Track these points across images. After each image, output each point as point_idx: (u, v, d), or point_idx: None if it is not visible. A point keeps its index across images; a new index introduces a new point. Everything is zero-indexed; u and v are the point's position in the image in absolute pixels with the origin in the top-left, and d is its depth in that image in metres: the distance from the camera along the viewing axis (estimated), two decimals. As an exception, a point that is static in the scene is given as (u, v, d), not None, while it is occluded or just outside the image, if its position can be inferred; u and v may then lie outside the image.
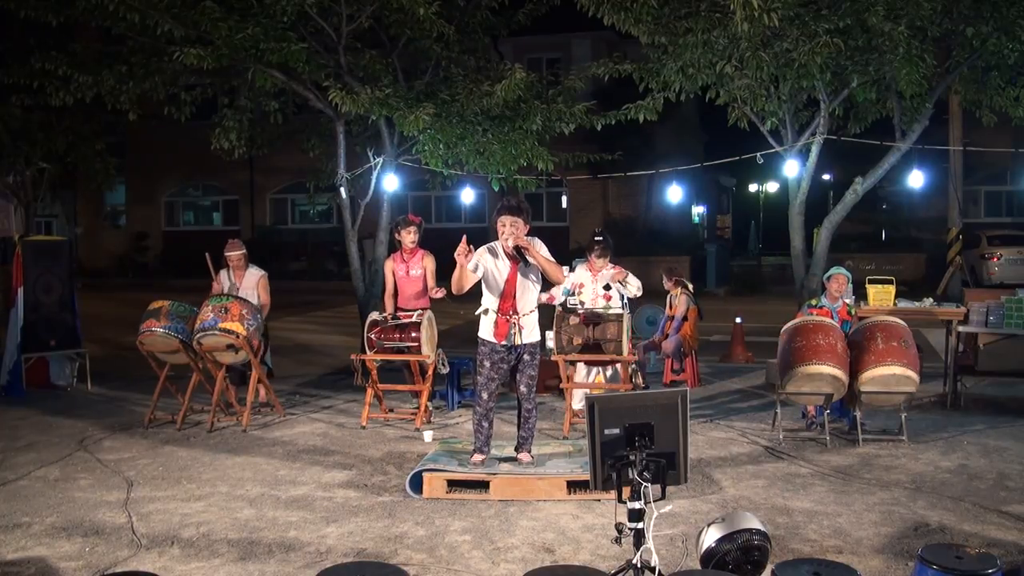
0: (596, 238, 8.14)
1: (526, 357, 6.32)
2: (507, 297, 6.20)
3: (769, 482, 6.34)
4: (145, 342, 8.29)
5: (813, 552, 4.96)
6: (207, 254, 9.05)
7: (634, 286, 8.08)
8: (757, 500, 5.94)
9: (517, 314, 6.21)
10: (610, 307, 8.02)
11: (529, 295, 6.27)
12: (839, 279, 7.99)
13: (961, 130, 17.91)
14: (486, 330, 6.30)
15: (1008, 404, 8.91)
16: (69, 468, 6.88)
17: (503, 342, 6.24)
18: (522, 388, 6.38)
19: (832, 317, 7.74)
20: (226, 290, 8.67)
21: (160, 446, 7.55)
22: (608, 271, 8.16)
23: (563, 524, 5.47)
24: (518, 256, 6.15)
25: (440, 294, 8.22)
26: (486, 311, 6.32)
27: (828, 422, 7.50)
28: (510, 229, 6.06)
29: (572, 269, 8.31)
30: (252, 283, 8.82)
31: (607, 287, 8.12)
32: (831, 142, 10.47)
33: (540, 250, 6.14)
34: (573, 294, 8.15)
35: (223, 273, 8.89)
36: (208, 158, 13.82)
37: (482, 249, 6.25)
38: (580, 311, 7.93)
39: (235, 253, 8.85)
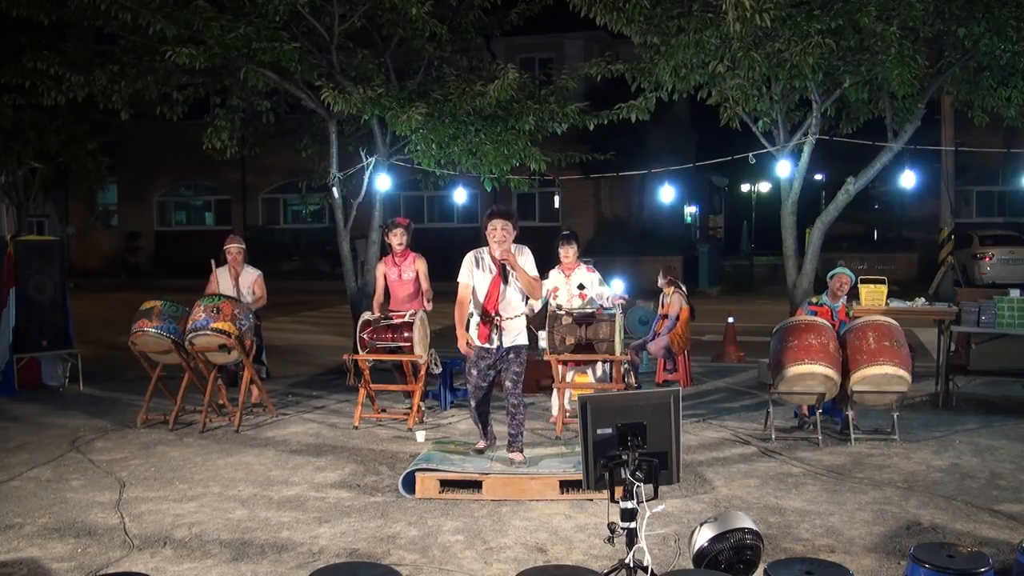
0: (563, 232, 8.32)
1: (511, 356, 6.42)
2: (490, 300, 6.33)
3: (761, 481, 6.35)
4: (137, 342, 8.28)
5: (805, 551, 4.97)
6: (212, 261, 9.09)
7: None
8: (749, 499, 5.95)
9: (500, 316, 6.35)
10: (586, 306, 8.03)
11: (512, 300, 6.40)
12: (841, 278, 7.98)
13: (953, 130, 17.94)
14: (472, 334, 6.44)
15: (1000, 403, 8.94)
16: (61, 469, 6.85)
17: (485, 343, 6.37)
18: (507, 383, 6.49)
19: (832, 316, 7.76)
20: (221, 288, 8.68)
21: (152, 446, 7.53)
22: (580, 271, 8.20)
23: (556, 524, 5.47)
24: (502, 269, 6.31)
25: (430, 307, 8.32)
26: (471, 315, 6.46)
27: (820, 421, 7.52)
28: (500, 234, 6.21)
29: (545, 276, 8.33)
30: (249, 282, 8.90)
31: (580, 286, 8.14)
32: (823, 142, 10.49)
33: (526, 259, 6.30)
34: (549, 300, 8.15)
35: (220, 271, 8.91)
36: (200, 158, 13.80)
37: (468, 258, 6.40)
38: (573, 311, 7.93)
39: (235, 246, 8.93)
